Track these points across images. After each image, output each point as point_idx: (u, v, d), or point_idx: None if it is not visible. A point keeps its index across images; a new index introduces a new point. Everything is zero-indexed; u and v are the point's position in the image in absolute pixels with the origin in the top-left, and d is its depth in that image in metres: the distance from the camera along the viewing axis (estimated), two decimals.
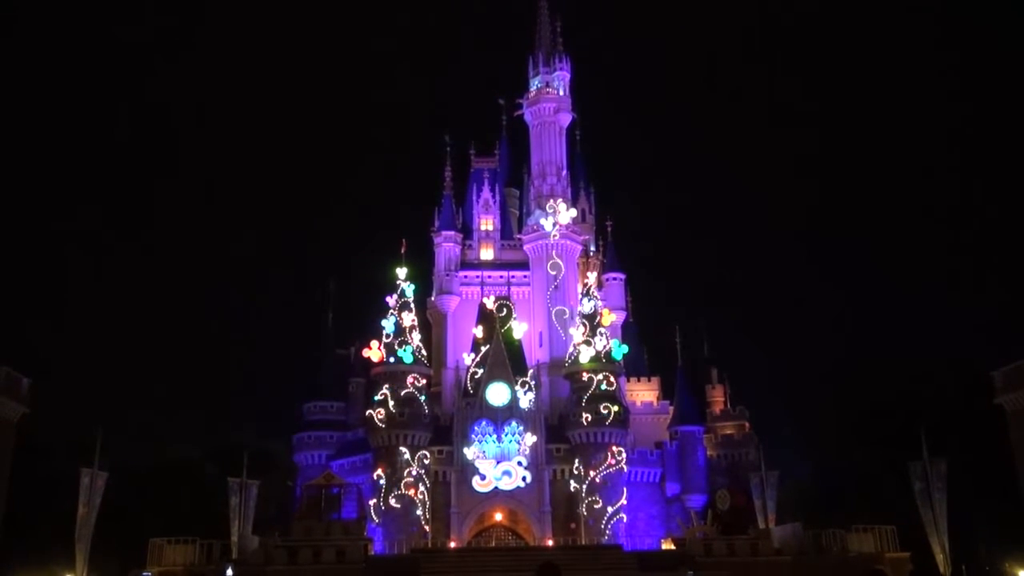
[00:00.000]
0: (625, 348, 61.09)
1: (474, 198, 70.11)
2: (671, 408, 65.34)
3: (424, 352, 58.56)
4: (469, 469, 54.77)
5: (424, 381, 57.67)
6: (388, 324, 57.15)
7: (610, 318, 61.23)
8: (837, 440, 71.23)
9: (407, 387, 56.09)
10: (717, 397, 66.66)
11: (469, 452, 54.92)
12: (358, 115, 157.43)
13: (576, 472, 55.45)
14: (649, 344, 72.20)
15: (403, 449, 54.60)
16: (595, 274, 65.94)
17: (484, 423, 55.52)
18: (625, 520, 55.54)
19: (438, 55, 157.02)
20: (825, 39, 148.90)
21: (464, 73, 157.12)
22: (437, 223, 68.56)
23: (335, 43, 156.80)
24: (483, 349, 58.62)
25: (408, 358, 56.38)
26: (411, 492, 54.09)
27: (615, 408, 56.19)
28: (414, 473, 54.40)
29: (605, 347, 57.67)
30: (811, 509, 58.06)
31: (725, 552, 45.11)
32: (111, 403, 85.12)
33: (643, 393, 68.09)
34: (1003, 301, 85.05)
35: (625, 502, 55.60)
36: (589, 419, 55.56)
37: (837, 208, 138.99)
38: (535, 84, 70.60)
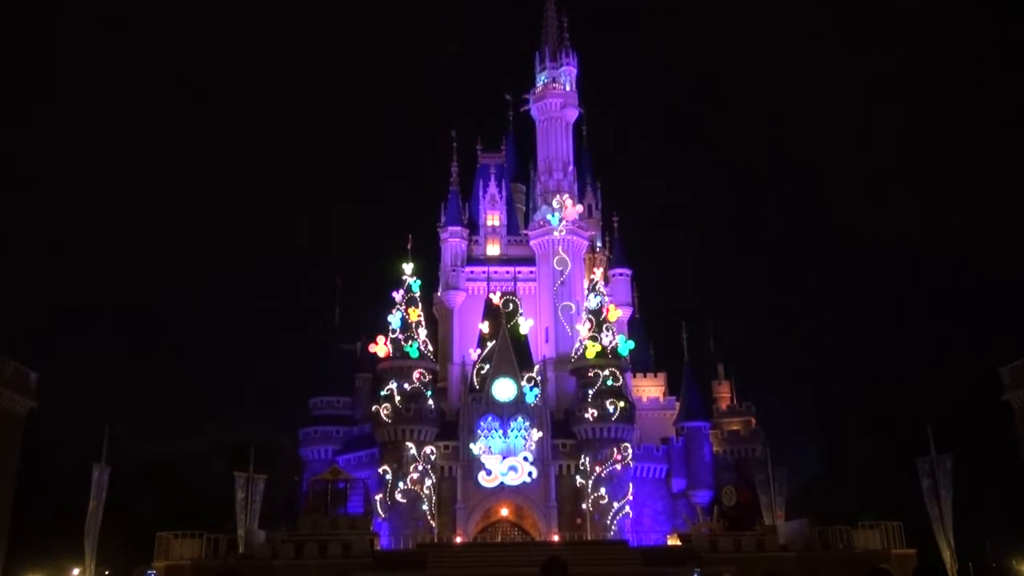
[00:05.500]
0: (631, 344, 60.99)
1: (480, 193, 70.03)
2: (677, 404, 65.27)
3: (430, 347, 58.53)
4: (475, 464, 54.82)
5: (430, 376, 57.64)
6: (394, 319, 57.17)
7: (616, 314, 61.17)
8: (843, 436, 71.14)
9: (413, 382, 56.11)
10: (723, 393, 66.50)
11: (475, 447, 54.96)
12: (364, 110, 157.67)
13: (582, 467, 55.48)
14: (655, 340, 72.21)
15: (409, 444, 54.66)
16: (601, 270, 65.73)
17: (490, 418, 55.54)
18: (631, 516, 55.51)
19: (445, 50, 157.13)
20: (835, 34, 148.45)
21: (471, 68, 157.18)
22: (443, 218, 68.48)
23: (342, 38, 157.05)
24: (489, 344, 58.64)
25: (414, 353, 56.36)
26: (417, 487, 54.18)
27: (621, 404, 56.15)
28: (420, 468, 54.49)
29: (611, 343, 57.60)
30: (817, 505, 57.96)
31: (731, 548, 45.07)
32: (117, 397, 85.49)
33: (649, 389, 67.97)
34: (1011, 297, 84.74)
35: (631, 498, 55.54)
36: (595, 415, 55.54)
37: (843, 203, 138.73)
38: (541, 79, 70.46)
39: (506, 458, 54.80)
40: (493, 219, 69.49)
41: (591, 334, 57.65)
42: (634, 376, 65.91)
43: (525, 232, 68.40)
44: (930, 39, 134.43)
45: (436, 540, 51.97)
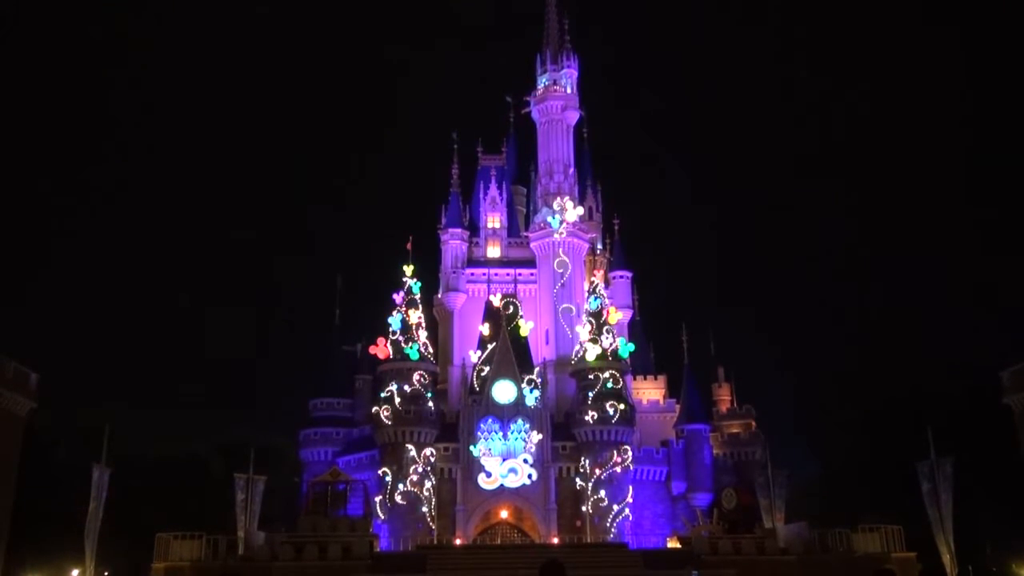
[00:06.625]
0: (631, 346, 60.98)
1: (481, 195, 70.00)
2: (677, 406, 65.21)
3: (430, 349, 58.55)
4: (475, 466, 54.78)
5: (430, 378, 57.66)
6: (395, 321, 57.15)
7: (617, 316, 61.12)
8: (843, 439, 71.09)
9: (413, 384, 56.09)
10: (723, 396, 66.45)
11: (475, 449, 54.90)
12: (367, 112, 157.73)
13: (582, 470, 55.44)
14: (656, 342, 72.18)
15: (409, 446, 54.63)
16: (602, 272, 65.81)
17: (490, 420, 55.49)
18: (631, 518, 55.49)
19: (446, 52, 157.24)
20: (840, 34, 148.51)
21: (472, 70, 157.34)
22: (444, 220, 68.43)
23: (346, 40, 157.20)
24: (489, 346, 58.63)
25: (414, 355, 56.36)
26: (417, 489, 54.15)
27: (621, 406, 56.12)
28: (420, 470, 54.46)
29: (611, 345, 57.60)
30: (817, 508, 57.93)
31: (731, 551, 45.01)
32: (117, 398, 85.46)
33: (649, 391, 67.89)
34: (1012, 301, 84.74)
35: (631, 500, 55.54)
36: (595, 417, 55.52)
37: (844, 208, 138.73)
38: (542, 82, 70.41)
39: (506, 460, 54.76)
40: (493, 221, 69.46)
41: (591, 336, 57.63)
42: (634, 378, 65.78)
43: (526, 234, 68.38)
44: None
45: (436, 542, 51.92)
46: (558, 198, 66.03)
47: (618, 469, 55.45)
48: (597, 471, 55.05)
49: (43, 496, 53.56)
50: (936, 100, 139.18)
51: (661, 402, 67.50)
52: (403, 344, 56.42)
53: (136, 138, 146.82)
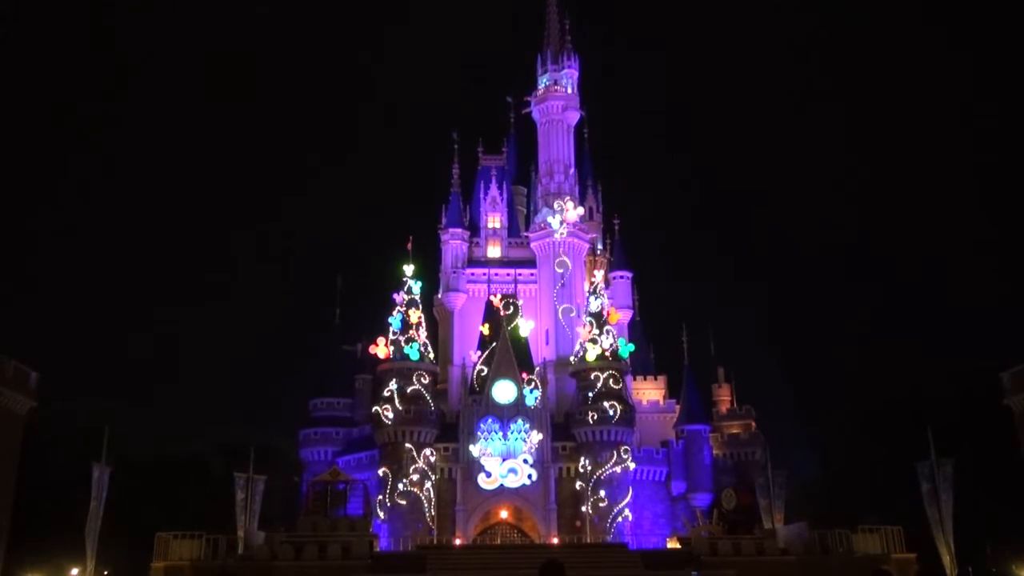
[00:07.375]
0: (632, 346, 60.96)
1: (482, 195, 69.98)
2: (677, 407, 65.18)
3: (431, 349, 58.54)
4: (475, 466, 54.77)
5: (430, 378, 57.66)
6: (395, 321, 57.18)
7: (617, 316, 61.15)
8: (843, 440, 71.05)
9: (413, 384, 56.10)
10: (723, 396, 66.40)
11: (475, 449, 54.90)
12: (368, 111, 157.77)
13: (582, 470, 55.42)
14: (656, 342, 72.14)
15: (409, 446, 54.64)
16: (602, 272, 65.74)
17: (490, 420, 55.47)
18: (630, 519, 55.45)
19: (447, 52, 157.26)
20: (841, 34, 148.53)
21: (473, 70, 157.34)
22: (444, 220, 68.41)
23: (346, 39, 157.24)
24: (489, 346, 58.62)
25: (415, 355, 56.36)
26: (417, 489, 54.15)
27: (621, 406, 56.10)
28: (420, 470, 54.44)
29: (612, 345, 57.58)
30: (817, 509, 57.86)
31: (730, 551, 45.02)
32: (117, 398, 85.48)
33: (649, 391, 67.83)
34: (1012, 301, 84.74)
35: (630, 500, 55.54)
36: (595, 417, 55.50)
37: (845, 208, 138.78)
38: (543, 82, 70.37)
39: (506, 460, 54.73)
40: (494, 221, 69.45)
41: (591, 336, 57.61)
42: (634, 379, 65.71)
43: (526, 234, 68.36)
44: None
45: (435, 542, 51.93)
46: (558, 198, 66.01)
47: (618, 469, 55.42)
48: (597, 471, 55.03)
49: (43, 496, 53.51)
50: (937, 100, 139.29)
51: (661, 402, 67.43)
52: (403, 344, 56.41)
53: (136, 137, 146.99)
